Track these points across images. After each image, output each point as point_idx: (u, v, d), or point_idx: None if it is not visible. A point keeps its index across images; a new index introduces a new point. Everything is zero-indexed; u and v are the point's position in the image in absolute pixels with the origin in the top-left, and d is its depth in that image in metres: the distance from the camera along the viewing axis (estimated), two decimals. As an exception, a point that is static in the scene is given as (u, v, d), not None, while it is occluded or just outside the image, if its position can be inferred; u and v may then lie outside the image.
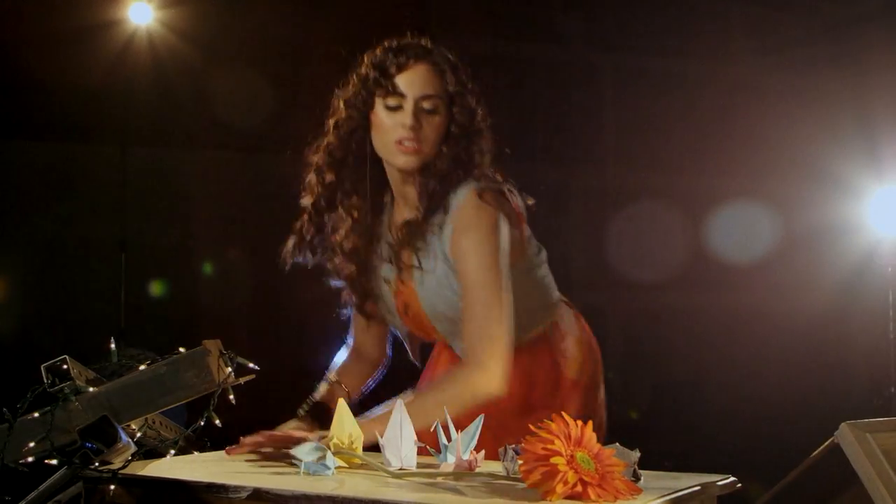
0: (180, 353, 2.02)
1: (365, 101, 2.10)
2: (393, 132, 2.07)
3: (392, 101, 2.06)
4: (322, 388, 2.30)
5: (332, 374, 2.31)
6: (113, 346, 2.13)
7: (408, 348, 2.40)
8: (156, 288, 6.58)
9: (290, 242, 2.28)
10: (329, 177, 2.20)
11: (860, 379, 6.67)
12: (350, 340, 2.40)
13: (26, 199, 6.25)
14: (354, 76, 2.15)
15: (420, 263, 2.11)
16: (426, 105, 2.05)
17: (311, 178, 2.24)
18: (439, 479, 1.74)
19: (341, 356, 2.39)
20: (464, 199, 2.07)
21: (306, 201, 2.29)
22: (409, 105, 2.05)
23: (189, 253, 6.78)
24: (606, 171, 7.25)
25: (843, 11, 6.65)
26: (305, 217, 2.30)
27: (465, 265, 2.04)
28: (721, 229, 6.75)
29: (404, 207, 2.16)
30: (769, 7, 7.20)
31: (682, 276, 6.94)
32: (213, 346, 2.02)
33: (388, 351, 2.40)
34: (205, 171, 6.79)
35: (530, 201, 2.19)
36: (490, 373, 1.99)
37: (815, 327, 6.54)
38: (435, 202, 2.07)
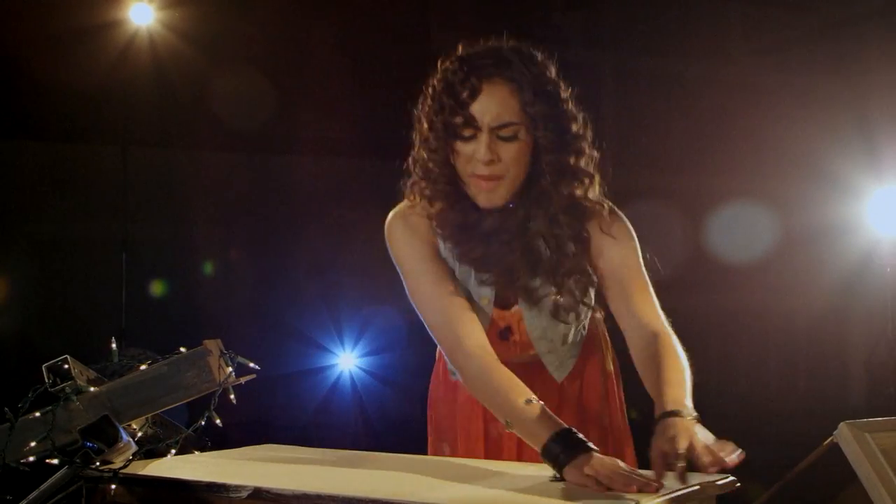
0: (181, 352, 2.02)
1: (445, 127, 1.86)
2: (468, 165, 1.87)
3: (466, 132, 1.85)
4: (539, 419, 1.79)
5: (521, 402, 1.82)
6: (114, 345, 2.14)
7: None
8: (157, 288, 6.59)
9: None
10: (446, 200, 1.94)
11: (859, 378, 6.68)
12: (461, 334, 1.95)
13: (28, 199, 6.26)
14: (430, 90, 1.92)
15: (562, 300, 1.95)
16: (503, 133, 1.84)
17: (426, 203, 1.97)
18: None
19: (490, 370, 1.91)
20: (609, 210, 2.01)
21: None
22: (483, 135, 1.83)
23: (190, 253, 6.79)
24: (605, 172, 7.22)
25: (842, 11, 6.65)
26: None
27: (621, 262, 1.97)
28: (720, 229, 6.75)
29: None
30: (768, 7, 7.21)
31: (682, 276, 6.92)
32: (213, 345, 2.02)
33: None
34: (205, 171, 6.80)
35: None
36: (674, 339, 1.94)
37: (815, 327, 6.55)
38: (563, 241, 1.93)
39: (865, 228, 5.97)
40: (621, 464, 1.66)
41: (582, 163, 1.94)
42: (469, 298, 1.99)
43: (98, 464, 1.83)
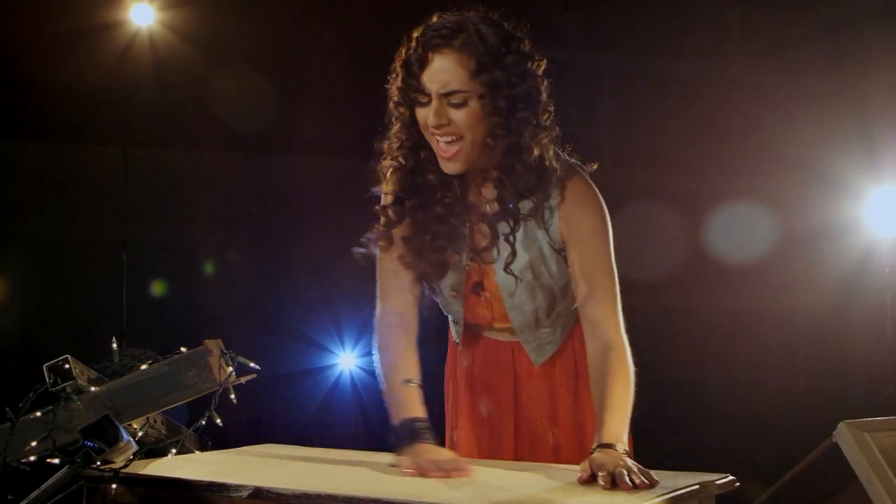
0: (182, 352, 2.03)
1: (404, 97, 1.99)
2: (425, 129, 1.99)
3: (422, 99, 1.97)
4: (404, 399, 1.99)
5: (399, 380, 2.02)
6: (115, 345, 2.15)
7: (454, 331, 2.27)
8: (157, 288, 6.59)
9: (376, 231, 2.10)
10: (404, 162, 2.05)
11: (858, 378, 6.68)
12: (386, 308, 2.12)
13: (28, 199, 6.26)
14: (396, 65, 2.02)
15: (514, 252, 2.01)
16: (453, 100, 1.93)
17: (387, 163, 2.08)
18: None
19: (390, 344, 2.09)
20: (569, 178, 2.04)
21: (388, 188, 2.10)
22: (433, 101, 1.94)
23: (190, 253, 6.79)
24: (604, 171, 7.21)
25: (841, 12, 6.65)
26: (391, 203, 2.08)
27: (586, 249, 2.01)
28: (719, 229, 6.75)
29: (484, 190, 2.06)
30: (767, 7, 7.20)
31: (681, 276, 6.94)
32: (214, 345, 2.03)
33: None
34: (206, 171, 6.80)
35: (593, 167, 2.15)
36: (625, 350, 1.99)
37: (814, 327, 6.55)
38: (516, 201, 1.99)
39: (864, 229, 5.98)
40: (444, 455, 1.85)
41: (529, 127, 1.99)
42: (430, 264, 2.08)
43: (99, 463, 1.83)
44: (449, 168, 1.99)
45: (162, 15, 6.05)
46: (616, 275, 2.05)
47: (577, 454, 2.08)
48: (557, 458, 2.12)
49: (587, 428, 2.13)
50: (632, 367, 1.97)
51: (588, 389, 2.10)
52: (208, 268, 6.89)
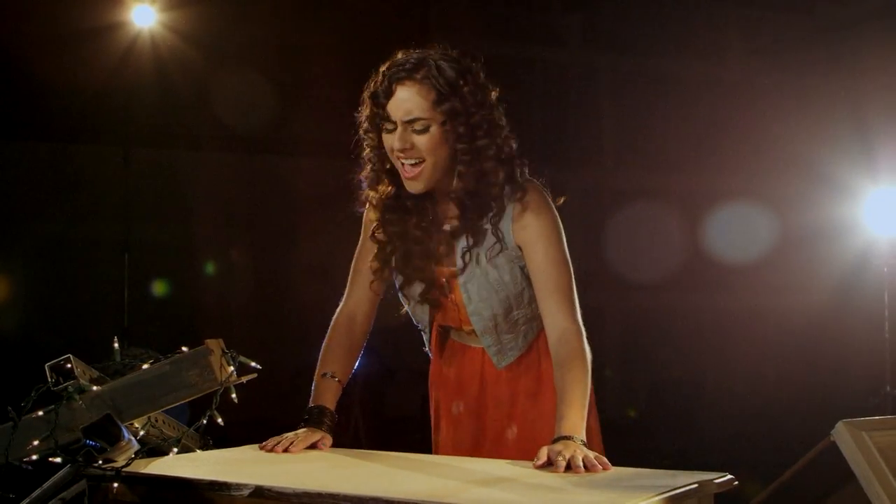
0: (183, 352, 2.02)
1: (372, 125, 2.16)
2: (391, 153, 2.15)
3: (388, 126, 2.13)
4: (316, 389, 2.27)
5: (319, 371, 2.30)
6: (116, 345, 2.14)
7: (424, 339, 2.42)
8: (159, 287, 6.61)
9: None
10: (387, 189, 2.22)
11: (856, 378, 6.69)
12: (342, 310, 2.38)
13: (30, 200, 6.28)
14: (365, 96, 2.19)
15: (474, 260, 2.19)
16: (416, 126, 2.11)
17: (373, 195, 2.24)
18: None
19: (332, 335, 2.36)
20: (526, 188, 2.18)
21: (372, 215, 2.27)
22: (398, 128, 2.11)
23: (191, 253, 6.81)
24: (604, 172, 7.27)
25: (839, 14, 6.67)
26: (378, 228, 2.26)
27: (538, 249, 2.17)
28: (718, 229, 6.78)
29: (448, 209, 2.24)
30: (765, 9, 7.23)
31: (680, 275, 6.96)
32: (215, 345, 2.03)
33: (373, 319, 2.38)
34: (207, 171, 6.82)
35: (560, 201, 2.30)
36: (585, 340, 2.14)
37: (812, 326, 6.57)
38: (479, 209, 2.17)
39: (862, 229, 6.01)
40: (299, 436, 2.11)
41: (491, 151, 2.17)
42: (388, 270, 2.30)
43: (100, 462, 1.82)
44: (412, 187, 2.16)
45: (163, 16, 6.06)
46: (570, 269, 2.21)
47: (531, 450, 2.17)
48: (518, 455, 2.21)
49: (544, 427, 2.23)
50: (588, 353, 2.12)
51: (550, 392, 2.21)
52: (209, 267, 6.92)
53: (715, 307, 7.12)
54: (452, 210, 2.21)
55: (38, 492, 1.83)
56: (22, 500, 1.83)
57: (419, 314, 2.34)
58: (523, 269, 2.23)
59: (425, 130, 2.12)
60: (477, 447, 2.32)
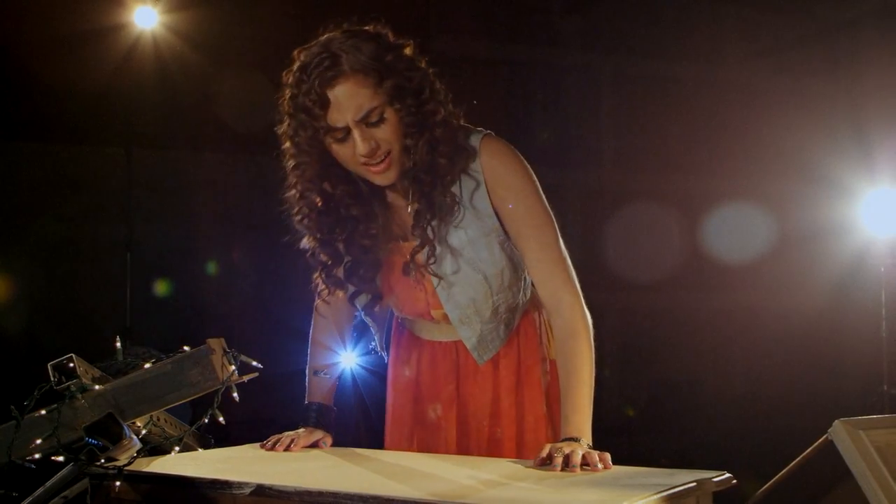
0: (185, 351, 2.03)
1: (312, 144, 1.93)
2: (354, 160, 1.93)
3: (337, 135, 1.91)
4: (310, 387, 2.22)
5: (310, 368, 2.24)
6: (119, 344, 2.15)
7: (377, 335, 2.27)
8: (161, 287, 6.62)
9: (320, 283, 2.13)
10: (319, 206, 2.05)
11: (853, 376, 6.70)
12: (321, 296, 2.23)
13: (33, 200, 6.29)
14: (285, 115, 1.97)
15: (446, 241, 2.00)
16: (370, 120, 1.89)
17: (304, 223, 2.09)
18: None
19: (315, 325, 2.26)
20: (484, 147, 1.99)
21: (311, 241, 2.10)
22: (354, 132, 1.89)
23: (193, 253, 6.82)
24: (604, 172, 7.29)
25: (837, 15, 6.68)
26: (320, 248, 2.08)
27: (517, 205, 1.98)
28: (717, 230, 6.79)
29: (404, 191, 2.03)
30: (764, 11, 7.23)
31: (679, 275, 6.96)
32: (216, 344, 2.04)
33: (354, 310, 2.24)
34: (209, 172, 6.83)
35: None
36: (583, 308, 2.00)
37: (810, 326, 6.59)
38: (442, 177, 1.96)
39: (859, 229, 6.04)
40: (300, 435, 2.10)
41: (439, 115, 1.95)
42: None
43: (103, 461, 1.83)
44: (382, 179, 1.96)
45: (165, 18, 6.08)
46: (555, 225, 2.04)
47: (517, 449, 2.11)
48: (500, 453, 2.12)
49: (526, 423, 2.15)
50: (590, 328, 1.99)
51: (530, 384, 2.14)
52: (211, 267, 6.92)
53: (713, 307, 7.13)
54: (408, 190, 2.00)
55: (40, 490, 1.84)
56: (25, 498, 1.84)
57: (371, 315, 2.21)
58: (502, 245, 2.05)
59: (381, 119, 1.90)
60: (454, 447, 2.18)
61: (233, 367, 2.03)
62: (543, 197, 2.04)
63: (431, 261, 2.01)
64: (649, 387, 7.15)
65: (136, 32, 6.07)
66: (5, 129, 6.12)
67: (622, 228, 6.66)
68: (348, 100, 1.87)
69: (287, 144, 1.99)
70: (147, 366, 2.04)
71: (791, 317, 6.61)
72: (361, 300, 2.15)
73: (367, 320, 2.24)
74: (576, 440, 1.87)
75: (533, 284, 2.10)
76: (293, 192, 2.06)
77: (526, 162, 2.03)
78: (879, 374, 5.78)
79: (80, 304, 6.28)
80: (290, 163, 2.01)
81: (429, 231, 1.99)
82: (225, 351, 2.04)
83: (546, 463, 1.82)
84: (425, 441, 2.23)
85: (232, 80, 6.36)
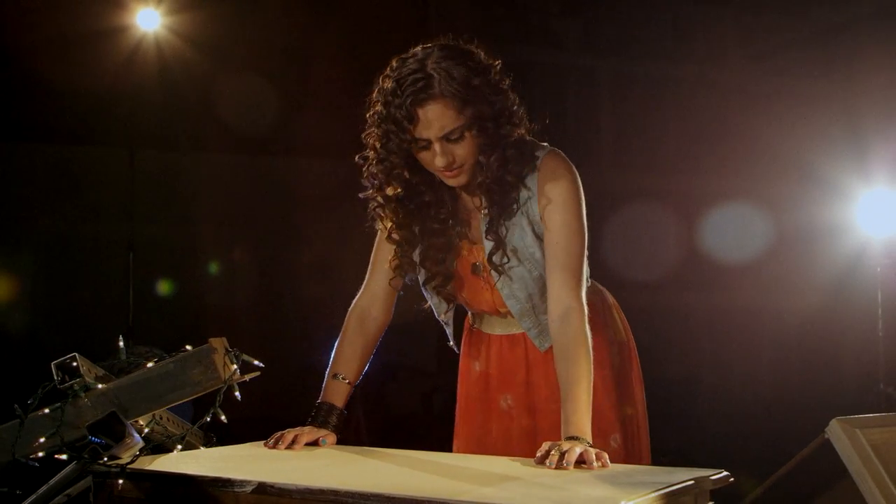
0: (187, 350, 2.04)
1: (399, 147, 2.11)
2: (432, 165, 2.13)
3: (422, 143, 2.09)
4: (326, 388, 2.29)
5: (330, 370, 2.32)
6: (121, 343, 2.17)
7: (448, 334, 2.42)
8: (163, 287, 6.63)
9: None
10: (399, 190, 2.19)
11: (850, 375, 6.72)
12: (358, 302, 2.35)
13: (37, 200, 6.31)
14: (375, 116, 2.13)
15: (506, 243, 2.17)
16: (451, 137, 2.07)
17: (386, 210, 2.22)
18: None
19: (345, 332, 2.35)
20: (545, 161, 2.17)
21: (388, 223, 2.23)
22: (434, 145, 2.08)
23: (195, 252, 6.83)
24: (603, 173, 7.29)
25: (833, 17, 6.69)
26: (397, 229, 2.23)
27: (554, 216, 2.14)
28: (714, 230, 6.80)
29: (474, 198, 2.22)
30: (761, 13, 7.23)
31: (677, 275, 6.97)
32: (218, 343, 2.05)
33: (391, 312, 2.37)
34: (211, 172, 6.84)
35: None
36: (587, 321, 2.10)
37: (807, 325, 6.60)
38: (506, 186, 2.14)
39: (856, 229, 6.06)
40: (303, 433, 2.16)
41: (512, 137, 2.15)
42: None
43: (106, 459, 1.84)
44: (454, 182, 2.15)
45: (167, 20, 6.09)
46: (585, 240, 2.18)
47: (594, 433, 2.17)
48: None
49: (602, 402, 2.24)
50: (589, 338, 2.10)
51: (597, 365, 2.19)
52: (213, 267, 6.94)
53: (711, 306, 7.14)
54: (478, 200, 2.21)
55: (44, 488, 1.86)
56: (28, 496, 1.85)
57: (442, 307, 2.33)
58: None
59: (461, 138, 2.09)
60: (531, 440, 2.27)
61: (234, 367, 2.05)
62: (584, 214, 2.20)
63: (505, 260, 2.19)
64: (647, 385, 7.15)
65: (139, 34, 6.08)
66: (9, 129, 6.14)
67: (621, 228, 6.67)
68: (435, 120, 2.06)
69: (374, 143, 2.15)
70: (149, 365, 2.05)
71: (788, 316, 6.63)
72: (438, 281, 2.27)
73: (437, 312, 2.36)
74: (576, 439, 1.93)
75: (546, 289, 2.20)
76: (375, 181, 2.21)
77: (579, 180, 2.21)
78: (876, 373, 5.79)
79: (83, 304, 6.30)
80: (374, 159, 2.17)
81: (501, 233, 2.19)
82: (227, 350, 2.06)
83: (544, 461, 1.87)
84: (498, 430, 2.35)
85: (234, 82, 6.38)
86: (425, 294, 2.34)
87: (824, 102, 6.49)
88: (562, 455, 1.85)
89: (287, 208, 6.65)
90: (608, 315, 2.39)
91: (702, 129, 6.97)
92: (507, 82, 2.16)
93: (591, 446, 1.91)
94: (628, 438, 2.29)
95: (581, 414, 1.99)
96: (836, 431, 2.20)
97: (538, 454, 1.90)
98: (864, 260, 6.01)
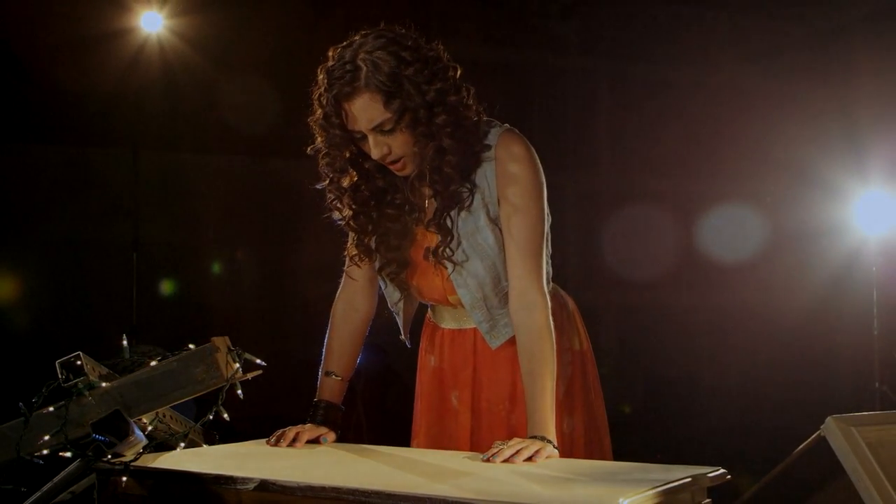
0: (190, 349, 2.06)
1: (340, 140, 2.09)
2: (372, 155, 2.09)
3: (356, 135, 2.07)
4: (320, 387, 2.30)
5: (322, 368, 2.32)
6: (125, 342, 2.18)
7: (401, 321, 2.36)
8: (166, 286, 6.64)
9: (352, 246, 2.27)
10: (353, 178, 2.17)
11: (846, 374, 6.73)
12: (341, 296, 2.36)
13: (42, 201, 6.32)
14: (317, 116, 2.11)
15: (458, 234, 2.11)
16: (383, 128, 2.03)
17: (343, 202, 2.21)
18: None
19: (331, 329, 2.36)
20: (501, 140, 2.10)
21: (346, 211, 2.22)
22: (368, 137, 2.05)
23: (198, 253, 6.84)
24: (601, 174, 7.30)
25: (829, 20, 6.69)
26: (353, 217, 2.20)
27: (513, 199, 2.07)
28: (712, 230, 6.80)
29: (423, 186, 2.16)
30: (757, 15, 7.23)
31: (675, 275, 6.97)
32: (221, 342, 2.06)
33: (375, 302, 2.36)
34: (214, 173, 6.85)
35: None
36: (549, 312, 2.07)
37: (803, 324, 6.60)
38: (454, 178, 2.08)
39: (852, 229, 6.08)
40: (304, 430, 2.17)
41: (449, 127, 2.06)
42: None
43: (109, 457, 1.85)
44: (400, 173, 2.12)
45: (171, 22, 6.11)
46: (545, 227, 2.13)
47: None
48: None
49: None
50: (552, 331, 2.07)
51: (586, 371, 2.24)
52: (216, 267, 6.94)
53: (708, 306, 7.14)
54: (426, 184, 2.14)
55: (48, 485, 1.85)
56: (33, 493, 1.86)
57: (395, 295, 2.30)
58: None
59: (393, 129, 2.04)
60: (468, 433, 2.25)
61: (237, 365, 2.06)
62: (544, 199, 2.13)
63: (449, 252, 2.13)
64: (645, 383, 7.16)
65: (143, 36, 6.10)
66: (14, 130, 6.16)
67: (619, 228, 6.67)
68: (361, 112, 2.02)
69: (317, 137, 2.14)
70: (153, 363, 2.07)
71: (785, 315, 6.62)
72: (393, 268, 2.23)
73: (390, 301, 2.33)
74: (541, 439, 1.94)
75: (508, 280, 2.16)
76: (328, 170, 2.18)
77: (538, 160, 2.13)
78: (871, 372, 5.80)
79: (87, 303, 6.31)
80: (323, 148, 2.14)
81: (447, 222, 2.12)
82: (229, 349, 2.07)
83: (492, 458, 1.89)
84: (443, 427, 2.31)
85: (237, 84, 6.38)
86: (380, 283, 2.30)
87: (820, 104, 6.49)
88: (499, 451, 1.87)
89: (290, 208, 6.66)
90: (568, 322, 2.31)
91: (699, 130, 6.97)
92: (450, 71, 2.08)
93: (551, 443, 1.94)
94: (564, 453, 2.17)
95: (542, 412, 1.99)
96: (831, 429, 2.21)
97: (488, 452, 1.90)
98: (861, 260, 6.02)
